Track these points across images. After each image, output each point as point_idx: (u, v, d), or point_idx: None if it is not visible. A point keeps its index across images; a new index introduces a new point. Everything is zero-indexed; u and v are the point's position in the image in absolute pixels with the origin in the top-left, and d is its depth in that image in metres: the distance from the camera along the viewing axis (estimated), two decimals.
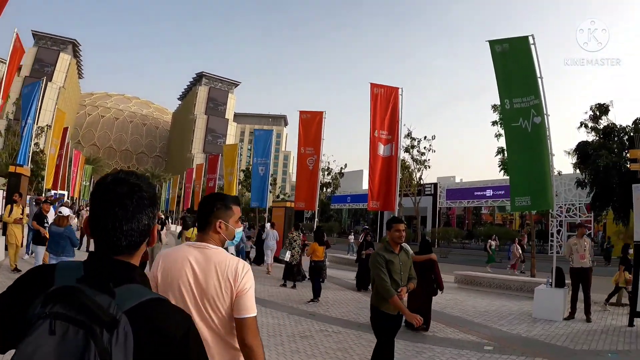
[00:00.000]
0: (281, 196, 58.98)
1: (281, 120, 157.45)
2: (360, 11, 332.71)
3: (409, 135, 25.59)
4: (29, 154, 18.45)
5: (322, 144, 18.86)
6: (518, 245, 21.62)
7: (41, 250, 9.51)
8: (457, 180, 53.56)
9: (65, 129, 27.88)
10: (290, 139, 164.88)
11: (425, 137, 26.40)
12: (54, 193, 25.05)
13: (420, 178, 26.71)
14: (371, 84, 15.60)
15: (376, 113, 15.47)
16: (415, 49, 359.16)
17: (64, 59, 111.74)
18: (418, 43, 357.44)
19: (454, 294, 13.16)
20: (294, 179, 34.53)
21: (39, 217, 10.23)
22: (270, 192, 25.73)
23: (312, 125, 19.16)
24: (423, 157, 26.29)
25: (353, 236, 29.99)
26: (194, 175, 39.01)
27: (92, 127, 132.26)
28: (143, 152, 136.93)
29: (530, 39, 11.05)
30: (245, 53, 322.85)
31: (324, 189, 31.51)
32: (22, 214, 11.37)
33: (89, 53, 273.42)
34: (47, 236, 8.96)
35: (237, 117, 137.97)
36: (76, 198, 42.38)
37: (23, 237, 12.06)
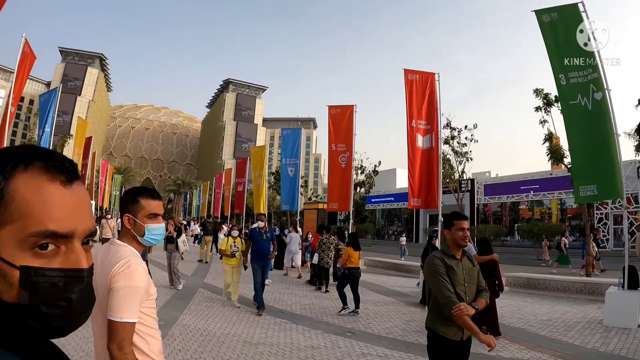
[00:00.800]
0: (313, 198, 57.68)
1: (310, 122, 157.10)
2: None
3: (448, 125, 23.44)
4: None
5: (354, 139, 17.74)
6: (593, 242, 19.04)
7: None
8: (493, 175, 51.61)
9: (89, 139, 27.55)
10: (320, 142, 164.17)
11: (465, 127, 24.06)
12: None
13: (462, 172, 24.33)
14: (405, 70, 14.34)
15: (412, 101, 14.18)
16: (442, 40, 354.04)
17: (92, 73, 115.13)
18: (445, 33, 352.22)
19: (508, 298, 11.76)
20: (326, 181, 33.62)
21: None
22: (301, 194, 24.70)
23: (342, 120, 18.08)
24: (464, 149, 23.93)
25: (405, 238, 27.76)
26: (223, 181, 38.35)
27: (123, 138, 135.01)
28: (174, 160, 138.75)
29: (580, 6, 9.75)
30: (270, 57, 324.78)
31: (358, 189, 29.90)
32: None
33: (116, 66, 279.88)
34: None
35: (266, 121, 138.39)
36: (105, 207, 42.43)
37: None
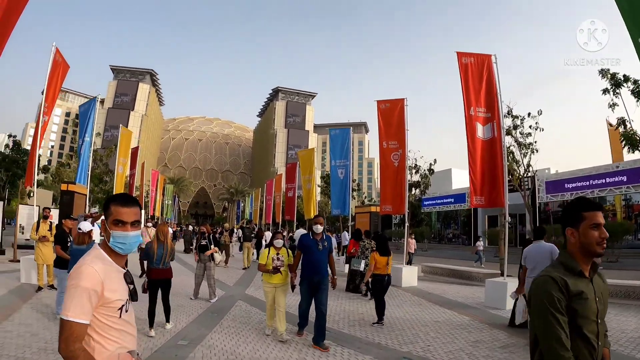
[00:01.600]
0: (366, 202, 55.95)
1: (362, 127, 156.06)
2: None
3: (509, 113, 20.74)
4: (87, 172, 17.79)
5: (407, 135, 16.54)
6: None
7: (65, 274, 8.12)
8: (552, 171, 48.47)
9: (136, 149, 27.65)
10: (373, 145, 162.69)
11: (529, 114, 21.16)
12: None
13: (528, 165, 21.29)
14: (458, 53, 13.01)
15: (469, 87, 12.80)
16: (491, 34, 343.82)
17: (143, 89, 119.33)
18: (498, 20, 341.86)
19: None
20: (379, 185, 32.29)
21: (61, 238, 8.82)
22: (353, 198, 23.59)
23: (392, 115, 16.94)
24: (528, 139, 20.95)
25: (482, 243, 24.85)
26: (273, 187, 37.85)
27: (177, 150, 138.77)
28: (228, 170, 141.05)
29: None
30: (318, 63, 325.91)
31: (413, 190, 27.94)
32: (49, 230, 10.77)
33: (167, 81, 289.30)
34: (69, 258, 7.81)
35: (317, 128, 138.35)
36: (157, 216, 42.93)
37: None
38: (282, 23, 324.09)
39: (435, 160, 23.68)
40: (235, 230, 27.26)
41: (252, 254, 20.95)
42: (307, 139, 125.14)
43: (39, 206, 14.80)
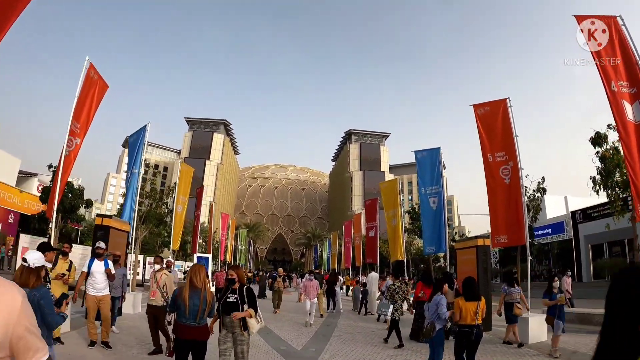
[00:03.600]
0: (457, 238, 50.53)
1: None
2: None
3: None
4: (135, 207, 15.55)
5: (517, 143, 12.97)
6: None
7: None
8: None
9: (201, 189, 25.71)
10: (450, 182, 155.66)
11: None
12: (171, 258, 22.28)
13: None
14: (576, 16, 10.60)
15: (600, 55, 10.21)
16: None
17: (218, 138, 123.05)
18: None
19: None
20: (464, 223, 28.40)
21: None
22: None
23: (495, 121, 13.61)
24: None
25: (560, 280, 20.31)
26: (352, 228, 34.56)
27: (254, 197, 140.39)
28: (305, 215, 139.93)
29: None
30: (389, 103, 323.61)
31: None
32: (68, 269, 8.86)
33: (241, 131, 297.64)
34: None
35: (393, 169, 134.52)
36: (229, 262, 40.94)
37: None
38: (350, 69, 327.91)
39: (543, 178, 18.99)
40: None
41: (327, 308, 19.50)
42: (383, 180, 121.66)
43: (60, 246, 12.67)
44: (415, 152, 18.30)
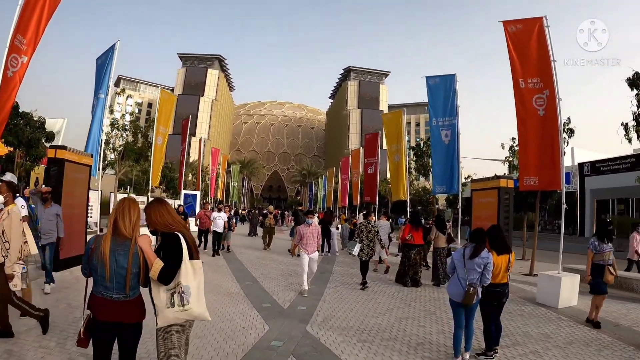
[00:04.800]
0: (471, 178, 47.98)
1: None
2: None
3: None
4: (100, 138, 13.31)
5: (555, 68, 10.68)
6: None
7: None
8: None
9: (186, 120, 23.19)
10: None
11: None
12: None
13: None
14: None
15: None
16: None
17: (212, 74, 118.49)
18: None
19: None
20: (464, 176, 26.20)
21: None
22: None
23: (529, 41, 11.26)
24: None
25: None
26: (350, 164, 32.43)
27: (249, 135, 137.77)
28: (301, 153, 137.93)
29: None
30: (389, 39, 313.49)
31: None
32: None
33: (237, 67, 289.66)
34: None
35: (392, 108, 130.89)
36: (220, 199, 39.04)
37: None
38: (350, 4, 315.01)
39: (569, 119, 16.72)
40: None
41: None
42: (381, 120, 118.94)
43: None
44: (427, 77, 15.88)
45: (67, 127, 51.61)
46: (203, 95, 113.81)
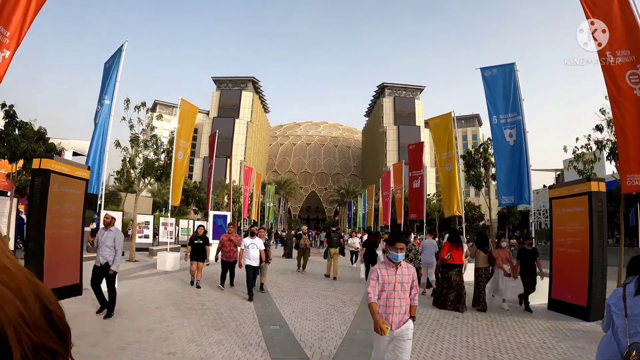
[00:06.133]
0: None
1: (474, 120, 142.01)
2: None
3: None
4: (104, 148, 11.46)
5: None
6: None
7: None
8: None
9: (214, 136, 21.46)
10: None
11: None
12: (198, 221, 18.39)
13: None
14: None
15: None
16: None
17: (247, 96, 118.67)
18: None
19: None
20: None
21: None
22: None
23: (611, 7, 9.16)
24: None
25: None
26: (392, 180, 30.04)
27: (286, 156, 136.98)
28: (338, 172, 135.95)
29: None
30: (424, 55, 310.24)
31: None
32: None
33: (272, 90, 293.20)
34: None
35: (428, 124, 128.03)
36: (254, 220, 36.98)
37: None
38: (383, 18, 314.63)
39: None
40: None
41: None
42: (418, 135, 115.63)
43: None
44: (482, 69, 13.57)
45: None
46: (238, 117, 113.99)
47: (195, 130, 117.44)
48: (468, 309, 10.16)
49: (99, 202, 11.59)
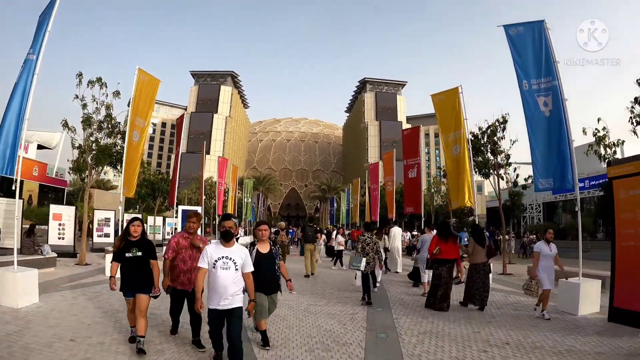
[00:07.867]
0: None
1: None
2: None
3: None
4: (24, 116, 8.61)
5: None
6: None
7: None
8: None
9: (181, 118, 18.54)
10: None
11: None
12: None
13: None
14: None
15: None
16: None
17: (225, 91, 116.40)
18: None
19: None
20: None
21: None
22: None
23: None
24: None
25: None
26: (380, 171, 27.47)
27: (265, 152, 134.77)
28: (319, 169, 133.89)
29: None
30: (405, 49, 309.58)
31: None
32: None
33: (251, 85, 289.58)
34: None
35: (411, 119, 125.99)
36: (232, 214, 34.28)
37: None
38: (365, 12, 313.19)
39: None
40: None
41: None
42: (400, 131, 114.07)
43: None
44: (506, 26, 11.01)
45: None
46: (217, 112, 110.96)
47: (173, 126, 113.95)
48: (468, 309, 9.51)
49: (13, 188, 8.69)
